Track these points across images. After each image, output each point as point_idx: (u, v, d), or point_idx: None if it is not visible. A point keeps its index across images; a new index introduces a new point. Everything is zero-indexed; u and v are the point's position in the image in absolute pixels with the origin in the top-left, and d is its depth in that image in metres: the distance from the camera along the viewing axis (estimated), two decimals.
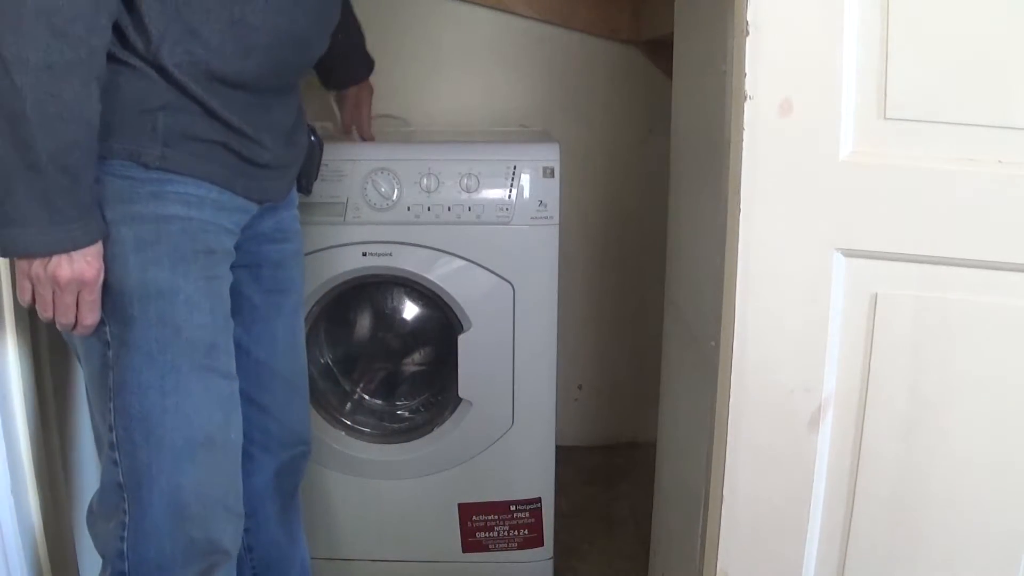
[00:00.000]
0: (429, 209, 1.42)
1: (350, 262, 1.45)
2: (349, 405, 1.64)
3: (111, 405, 0.93)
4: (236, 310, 1.08)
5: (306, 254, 1.25)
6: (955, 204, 0.86)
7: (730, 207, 0.93)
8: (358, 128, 1.48)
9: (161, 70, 0.89)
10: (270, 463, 1.18)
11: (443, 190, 1.42)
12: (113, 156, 0.89)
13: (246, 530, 1.18)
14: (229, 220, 0.99)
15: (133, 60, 0.88)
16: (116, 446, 0.94)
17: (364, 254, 1.45)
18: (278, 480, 1.20)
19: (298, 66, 1.03)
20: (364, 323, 1.68)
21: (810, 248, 0.91)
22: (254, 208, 1.04)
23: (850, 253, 0.91)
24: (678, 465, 1.24)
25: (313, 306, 1.48)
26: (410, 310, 1.66)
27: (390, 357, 1.71)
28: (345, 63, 1.38)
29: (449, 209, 1.42)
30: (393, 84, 1.97)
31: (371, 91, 1.47)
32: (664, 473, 1.34)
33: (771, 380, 0.95)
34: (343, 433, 1.56)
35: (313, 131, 1.18)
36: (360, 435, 1.58)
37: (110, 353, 0.93)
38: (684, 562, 1.16)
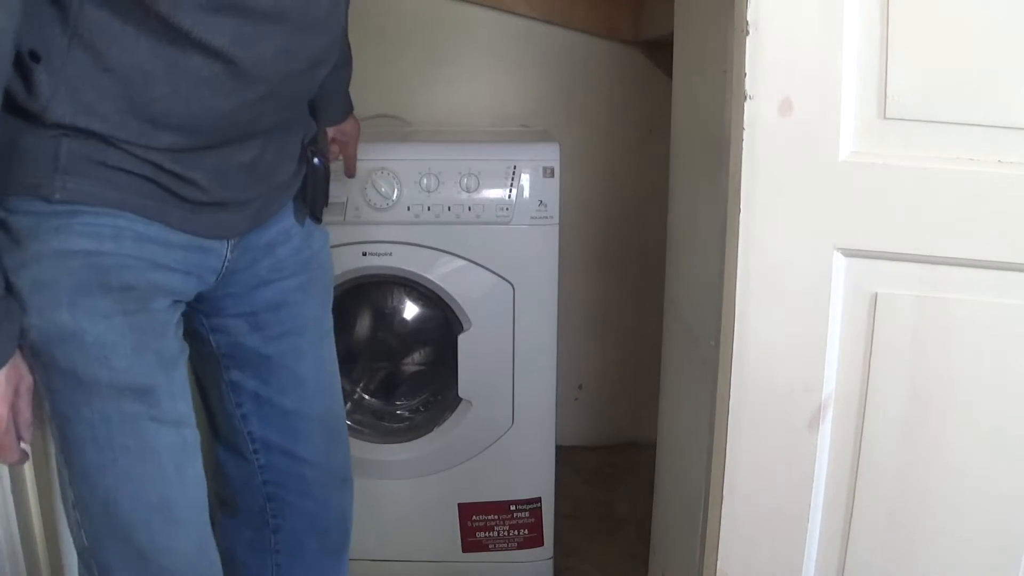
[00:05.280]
0: (429, 209, 1.42)
1: (350, 262, 1.45)
2: (349, 405, 1.64)
3: (60, 460, 0.87)
4: (244, 363, 1.02)
5: None
6: (955, 204, 0.86)
7: (730, 207, 0.93)
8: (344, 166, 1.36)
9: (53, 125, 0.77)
10: (308, 507, 1.11)
11: (443, 190, 1.42)
12: (12, 192, 0.78)
13: (276, 565, 1.13)
14: (166, 256, 0.84)
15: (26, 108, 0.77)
16: (76, 504, 0.88)
17: (364, 254, 1.45)
18: (319, 520, 1.12)
19: (246, 128, 0.87)
20: (364, 323, 1.68)
21: (810, 248, 0.91)
22: (218, 246, 0.90)
23: (850, 253, 0.91)
24: (678, 465, 1.24)
25: None
26: (410, 310, 1.66)
27: (390, 357, 1.71)
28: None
29: (449, 209, 1.42)
30: (393, 84, 1.97)
31: (355, 129, 1.30)
32: (664, 473, 1.34)
33: (771, 380, 0.95)
34: None
35: (315, 154, 1.07)
36: (360, 435, 1.57)
37: (46, 405, 0.85)
38: (684, 562, 1.16)
